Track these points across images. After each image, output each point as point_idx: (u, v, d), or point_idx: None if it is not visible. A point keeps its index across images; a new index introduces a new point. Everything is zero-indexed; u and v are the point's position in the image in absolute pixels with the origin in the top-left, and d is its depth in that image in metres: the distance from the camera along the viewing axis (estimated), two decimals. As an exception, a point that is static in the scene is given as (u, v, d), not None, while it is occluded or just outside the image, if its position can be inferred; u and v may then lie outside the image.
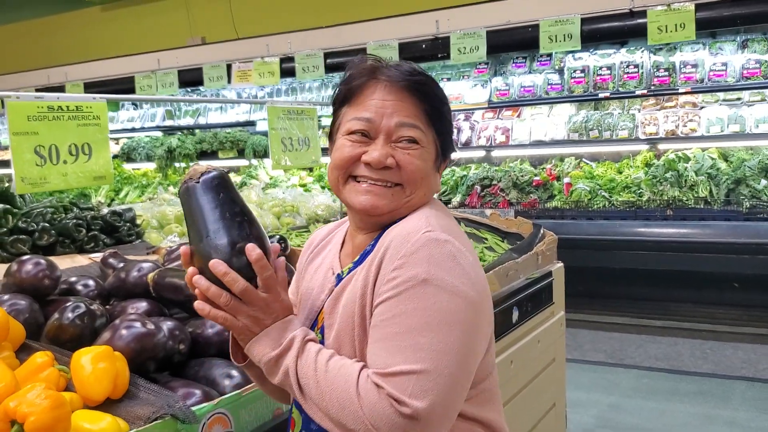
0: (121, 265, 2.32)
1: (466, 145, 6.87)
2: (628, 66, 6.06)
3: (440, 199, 6.49)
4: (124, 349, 1.62)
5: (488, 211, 3.66)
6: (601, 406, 4.40)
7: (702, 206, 5.41)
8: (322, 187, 6.50)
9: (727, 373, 4.83)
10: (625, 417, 4.25)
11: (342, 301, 1.35)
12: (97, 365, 1.50)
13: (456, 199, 6.46)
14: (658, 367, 4.97)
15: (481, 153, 7.02)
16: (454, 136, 6.80)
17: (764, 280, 5.04)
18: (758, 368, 4.83)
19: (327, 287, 1.44)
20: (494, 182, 6.37)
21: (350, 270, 1.40)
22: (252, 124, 8.01)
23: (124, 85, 8.04)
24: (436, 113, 1.39)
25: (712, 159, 5.71)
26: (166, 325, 1.80)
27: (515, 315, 2.75)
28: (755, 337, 5.27)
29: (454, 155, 1.52)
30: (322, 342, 1.36)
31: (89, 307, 1.77)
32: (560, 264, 3.32)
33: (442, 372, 1.17)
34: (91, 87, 8.29)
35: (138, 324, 1.68)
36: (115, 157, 8.74)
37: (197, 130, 8.57)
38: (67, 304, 1.78)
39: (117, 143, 9.36)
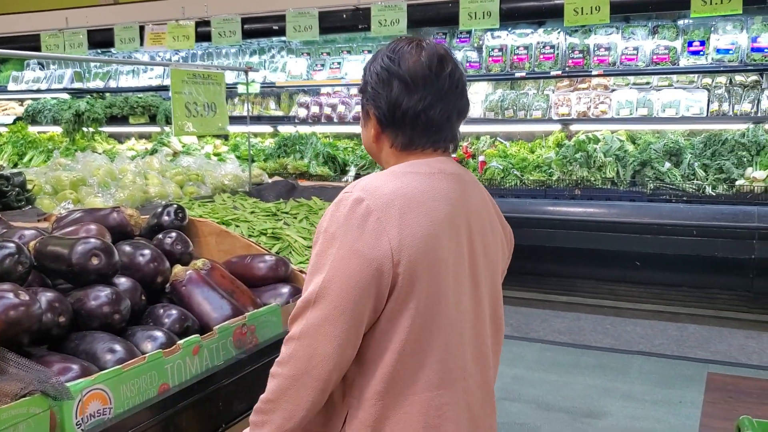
0: (3, 231, 2.19)
1: (385, 120, 6.84)
2: (544, 47, 6.15)
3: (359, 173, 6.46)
4: (-7, 321, 1.52)
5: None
6: (504, 379, 4.50)
7: (609, 187, 5.58)
8: (238, 157, 6.37)
9: (626, 347, 5.02)
10: (527, 389, 4.36)
11: None
12: (-41, 339, 1.40)
13: (373, 173, 6.44)
14: (561, 341, 5.13)
15: (400, 128, 7.01)
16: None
17: (664, 260, 5.25)
18: (654, 343, 5.05)
19: None
20: (411, 157, 6.38)
21: None
22: (165, 89, 7.73)
23: (29, 43, 7.62)
24: (364, 89, 1.64)
25: (621, 141, 5.88)
26: (45, 296, 1.71)
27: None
28: (653, 313, 5.51)
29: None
30: None
31: (-43, 277, 1.65)
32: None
33: (312, 300, 1.45)
34: (-9, 43, 7.82)
35: (10, 295, 1.57)
36: (18, 119, 8.31)
37: (107, 94, 8.22)
38: (-67, 273, 1.66)
39: (21, 104, 8.91)
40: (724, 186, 5.31)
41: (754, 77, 5.77)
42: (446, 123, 1.58)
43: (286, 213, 3.20)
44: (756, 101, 5.63)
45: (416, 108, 1.53)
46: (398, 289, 1.46)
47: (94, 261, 1.85)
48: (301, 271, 2.44)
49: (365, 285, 1.43)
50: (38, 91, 8.67)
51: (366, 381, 1.50)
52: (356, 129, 7.04)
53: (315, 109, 7.04)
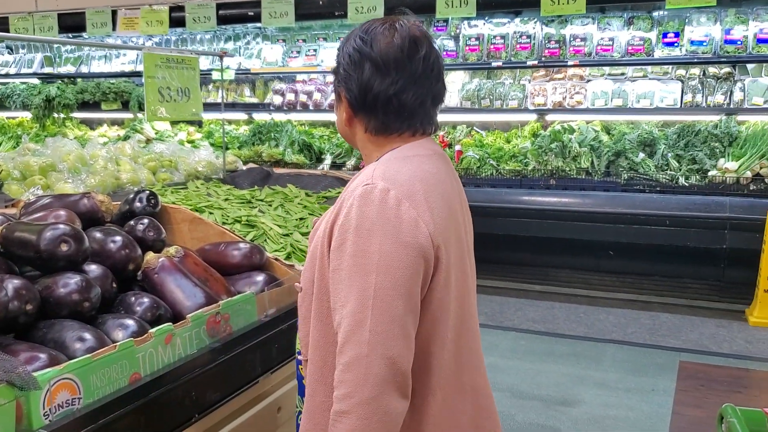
0: (-31, 218, 2.13)
1: (361, 108, 6.81)
2: (521, 36, 6.15)
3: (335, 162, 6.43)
4: (-43, 309, 1.48)
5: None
6: (479, 368, 4.52)
7: (583, 177, 5.62)
8: (212, 144, 6.29)
9: (599, 336, 5.06)
10: (502, 377, 4.38)
11: (315, 238, 1.53)
12: None
13: (351, 163, 6.42)
14: (535, 330, 5.16)
15: (376, 116, 6.98)
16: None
17: (637, 249, 5.30)
18: (627, 332, 5.09)
19: None
20: (387, 146, 6.36)
21: None
22: (138, 74, 7.60)
23: (-4, 26, 7.47)
24: (337, 70, 1.56)
25: (596, 131, 5.91)
26: (12, 283, 1.66)
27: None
28: (626, 302, 5.56)
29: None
30: None
31: None
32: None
33: (368, 305, 1.33)
34: (-42, 26, 7.63)
35: (-25, 282, 1.54)
36: (-14, 103, 8.15)
37: (79, 80, 8.08)
38: None
39: (-12, 89, 8.73)
40: (697, 176, 5.36)
41: (727, 69, 5.83)
42: (420, 108, 1.51)
43: (261, 200, 3.16)
44: (729, 93, 5.68)
45: (388, 92, 1.47)
46: (438, 274, 1.42)
47: (63, 247, 1.81)
48: (277, 259, 2.41)
49: (417, 276, 1.37)
50: (6, 75, 8.50)
51: (415, 379, 1.42)
52: (332, 117, 7.00)
53: (290, 97, 6.98)
